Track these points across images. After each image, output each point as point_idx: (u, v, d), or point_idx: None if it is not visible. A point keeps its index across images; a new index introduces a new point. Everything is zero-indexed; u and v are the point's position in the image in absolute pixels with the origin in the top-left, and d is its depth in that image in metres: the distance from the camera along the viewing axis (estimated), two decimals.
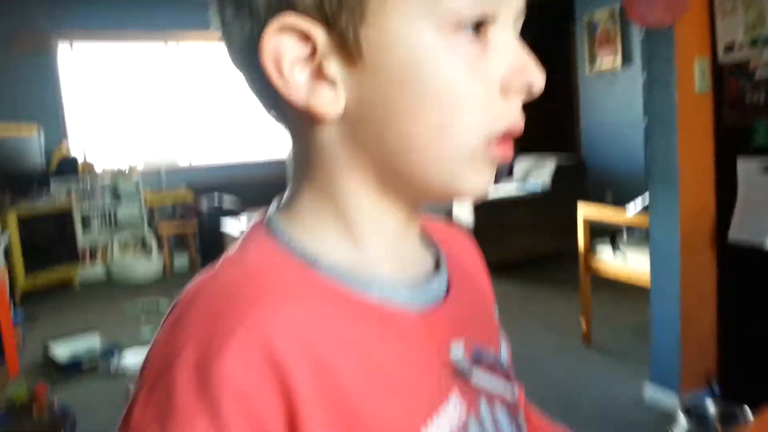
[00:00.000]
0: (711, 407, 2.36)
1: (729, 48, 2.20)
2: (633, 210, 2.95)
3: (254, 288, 0.38)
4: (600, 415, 2.48)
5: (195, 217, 5.54)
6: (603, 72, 5.82)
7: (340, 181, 0.43)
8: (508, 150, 0.42)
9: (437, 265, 0.49)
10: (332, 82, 0.39)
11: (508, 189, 4.83)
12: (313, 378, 0.36)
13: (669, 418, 2.39)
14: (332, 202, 0.43)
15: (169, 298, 4.71)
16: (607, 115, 5.93)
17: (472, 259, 0.60)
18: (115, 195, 5.51)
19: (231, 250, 0.43)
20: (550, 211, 4.69)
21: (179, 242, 5.77)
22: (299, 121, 0.42)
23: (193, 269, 5.62)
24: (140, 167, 5.76)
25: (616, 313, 3.56)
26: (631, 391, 2.63)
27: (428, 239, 0.51)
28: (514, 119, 0.41)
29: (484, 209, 4.43)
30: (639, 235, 2.99)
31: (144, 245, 5.57)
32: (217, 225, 4.89)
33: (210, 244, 5.29)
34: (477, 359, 0.47)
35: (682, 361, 2.43)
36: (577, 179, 4.84)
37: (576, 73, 6.18)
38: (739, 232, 2.24)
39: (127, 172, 5.56)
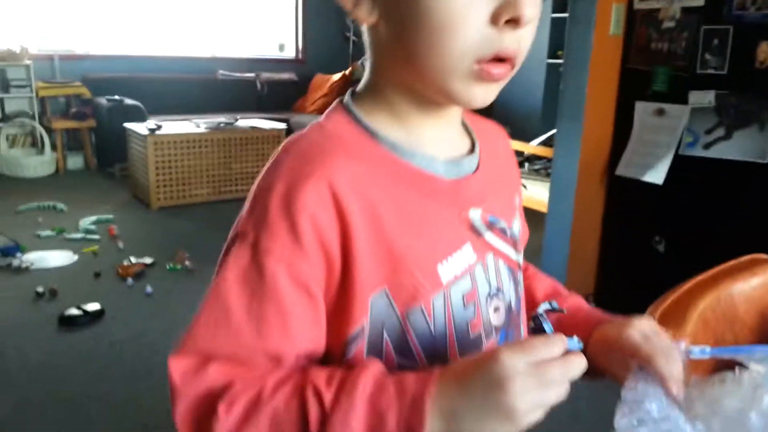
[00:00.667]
0: None
1: None
2: (537, 141, 3.16)
3: (329, 146, 0.54)
4: None
5: (92, 115, 5.22)
6: None
7: (388, 76, 0.56)
8: (495, 70, 0.50)
9: (472, 149, 0.62)
10: None
11: None
12: (362, 213, 0.51)
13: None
14: (383, 94, 0.57)
15: (66, 200, 4.47)
16: None
17: (504, 150, 0.71)
18: (3, 83, 5.05)
19: (317, 120, 0.58)
20: None
21: (74, 140, 5.43)
22: (366, 27, 0.55)
23: (88, 169, 5.35)
24: (32, 50, 5.26)
25: None
26: None
27: (469, 128, 0.64)
28: (502, 45, 0.49)
29: None
30: (539, 167, 3.22)
31: (35, 140, 5.21)
32: (117, 124, 4.66)
33: (108, 144, 5.02)
34: (491, 224, 0.60)
35: (567, 280, 2.71)
36: (482, 111, 5.01)
37: None
38: (625, 168, 2.48)
39: (18, 52, 5.05)
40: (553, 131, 2.71)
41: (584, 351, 0.50)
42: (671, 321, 0.75)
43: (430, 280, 0.54)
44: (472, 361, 0.47)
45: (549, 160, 2.80)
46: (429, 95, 0.55)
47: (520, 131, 5.58)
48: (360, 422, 0.45)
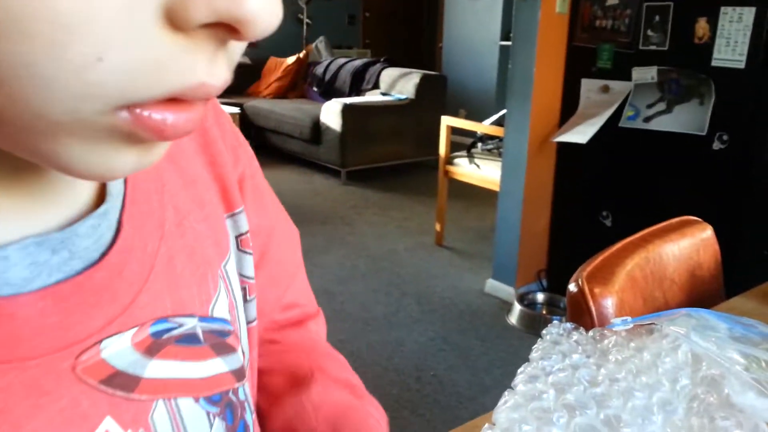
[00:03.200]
0: (539, 297, 2.73)
1: None
2: (489, 121, 3.19)
3: None
4: (449, 304, 2.76)
5: None
6: None
7: None
8: (170, 118, 0.23)
9: (103, 198, 0.31)
10: None
11: (374, 98, 4.93)
12: None
13: (506, 306, 2.73)
14: None
15: None
16: (467, 33, 6.16)
17: (204, 142, 0.42)
18: None
19: None
20: (412, 121, 4.88)
21: None
22: None
23: None
24: None
25: (467, 219, 3.88)
26: (476, 284, 2.94)
27: None
28: (194, 76, 0.22)
29: (352, 115, 4.50)
30: (491, 146, 3.24)
31: None
32: None
33: None
34: (156, 343, 0.32)
35: (519, 259, 2.75)
36: (439, 93, 5.04)
37: None
38: (559, 135, 2.52)
39: None
40: (505, 111, 2.74)
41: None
42: (599, 279, 0.76)
43: None
44: None
45: (501, 139, 2.83)
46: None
47: (475, 113, 5.64)
48: None
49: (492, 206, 3.03)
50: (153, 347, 0.32)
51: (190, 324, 0.35)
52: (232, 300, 0.40)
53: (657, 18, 2.23)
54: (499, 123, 3.06)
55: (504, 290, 2.80)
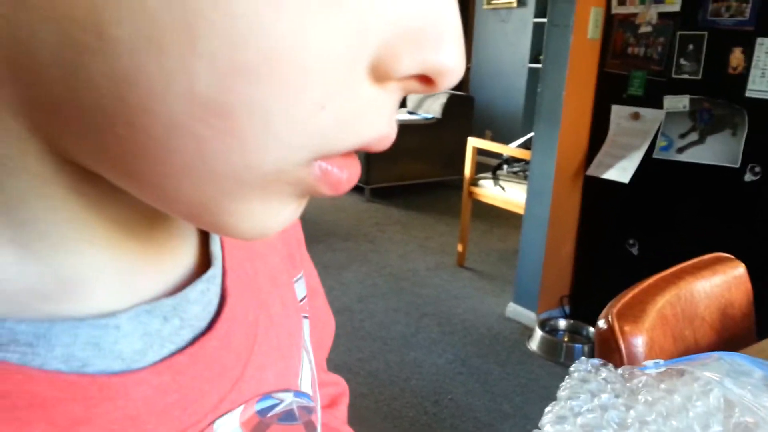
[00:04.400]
0: (562, 323, 2.69)
1: (622, 1, 2.38)
2: (516, 144, 3.18)
3: None
4: (469, 326, 2.73)
5: None
6: (498, 8, 5.99)
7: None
8: (342, 173, 0.22)
9: (206, 258, 0.30)
10: None
11: (400, 116, 4.95)
12: None
13: (527, 331, 2.69)
14: None
15: None
16: (496, 54, 6.16)
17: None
18: None
19: None
20: (438, 140, 4.88)
21: None
22: None
23: None
24: None
25: (490, 240, 3.86)
26: (497, 308, 2.91)
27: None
28: (381, 128, 0.22)
29: None
30: (517, 169, 3.23)
31: None
32: None
33: None
34: (263, 418, 0.30)
35: (542, 283, 2.71)
36: (466, 113, 5.04)
37: (474, 3, 6.30)
38: (596, 169, 2.50)
39: None
40: (532, 134, 2.72)
41: None
42: (630, 316, 0.75)
43: None
44: None
45: (527, 162, 2.81)
46: (141, 202, 0.22)
47: (502, 134, 5.63)
48: None
49: (516, 229, 3.00)
50: (259, 427, 0.29)
51: (288, 400, 0.32)
52: (314, 373, 0.38)
53: (691, 47, 2.21)
54: (525, 146, 3.05)
55: (525, 315, 2.77)
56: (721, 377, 0.60)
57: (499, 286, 3.16)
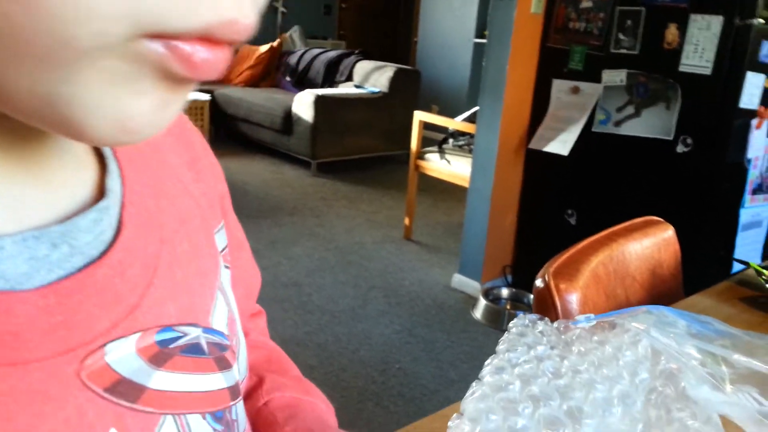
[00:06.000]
0: (504, 292, 2.77)
1: None
2: (461, 118, 3.21)
3: None
4: (415, 297, 2.78)
5: None
6: None
7: None
8: (199, 53, 0.21)
9: (102, 187, 0.30)
10: None
11: (347, 90, 4.91)
12: None
13: (472, 301, 2.76)
14: None
15: None
16: (443, 29, 6.18)
17: (190, 158, 0.41)
18: None
19: None
20: (385, 114, 4.88)
21: None
22: None
23: None
24: None
25: (435, 214, 3.91)
26: (442, 279, 2.97)
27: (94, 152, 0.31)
28: (226, 11, 0.21)
29: (324, 106, 4.49)
30: (462, 143, 3.27)
31: None
32: None
33: None
34: (163, 353, 0.30)
35: (485, 254, 2.78)
36: (412, 87, 5.06)
37: None
38: (537, 142, 2.56)
39: None
40: (477, 108, 2.76)
41: None
42: (565, 275, 0.78)
43: None
44: None
45: (472, 136, 2.85)
46: None
47: (448, 108, 5.67)
48: None
49: (461, 202, 3.05)
50: (159, 357, 0.30)
51: (194, 333, 0.33)
52: (233, 314, 0.39)
53: (629, 22, 2.27)
54: (470, 120, 3.08)
55: (470, 285, 2.83)
56: (648, 328, 0.64)
57: (445, 258, 3.21)
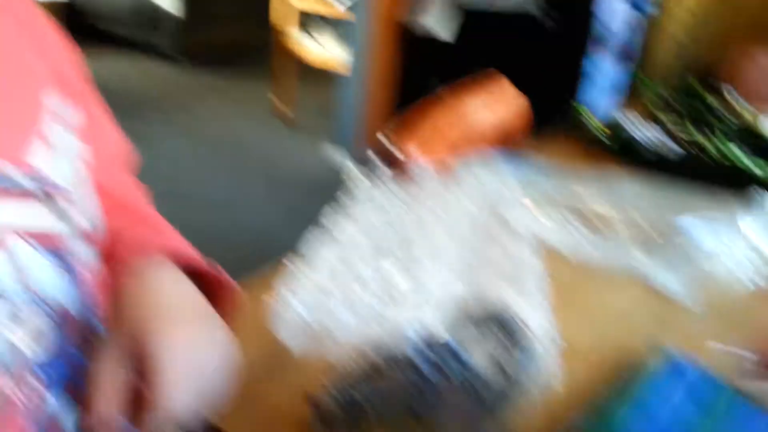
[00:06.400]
0: (375, 160, 2.87)
1: None
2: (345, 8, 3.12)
3: None
4: (293, 180, 2.83)
5: None
6: None
7: None
8: None
9: None
10: None
11: None
12: None
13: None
14: None
15: None
16: None
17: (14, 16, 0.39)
18: None
19: None
20: (255, 1, 4.63)
21: None
22: None
23: None
24: None
25: (311, 98, 3.88)
26: (318, 158, 3.04)
27: None
28: None
29: None
30: (337, 24, 3.21)
31: None
32: None
33: None
34: None
35: (357, 133, 2.85)
36: None
37: None
38: (414, 19, 2.54)
39: None
40: None
41: None
42: (406, 129, 0.83)
43: None
44: None
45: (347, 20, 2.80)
46: None
47: None
48: None
49: (336, 85, 3.05)
50: None
51: (10, 173, 0.32)
52: (77, 171, 0.39)
53: None
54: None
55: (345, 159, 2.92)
56: (483, 174, 0.72)
57: (321, 139, 3.25)
